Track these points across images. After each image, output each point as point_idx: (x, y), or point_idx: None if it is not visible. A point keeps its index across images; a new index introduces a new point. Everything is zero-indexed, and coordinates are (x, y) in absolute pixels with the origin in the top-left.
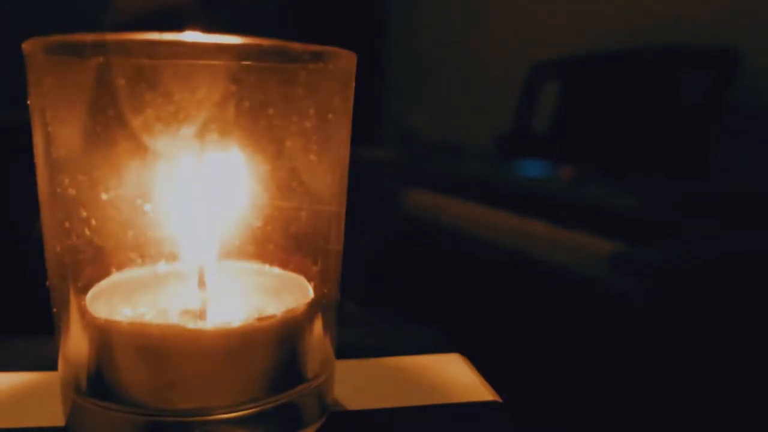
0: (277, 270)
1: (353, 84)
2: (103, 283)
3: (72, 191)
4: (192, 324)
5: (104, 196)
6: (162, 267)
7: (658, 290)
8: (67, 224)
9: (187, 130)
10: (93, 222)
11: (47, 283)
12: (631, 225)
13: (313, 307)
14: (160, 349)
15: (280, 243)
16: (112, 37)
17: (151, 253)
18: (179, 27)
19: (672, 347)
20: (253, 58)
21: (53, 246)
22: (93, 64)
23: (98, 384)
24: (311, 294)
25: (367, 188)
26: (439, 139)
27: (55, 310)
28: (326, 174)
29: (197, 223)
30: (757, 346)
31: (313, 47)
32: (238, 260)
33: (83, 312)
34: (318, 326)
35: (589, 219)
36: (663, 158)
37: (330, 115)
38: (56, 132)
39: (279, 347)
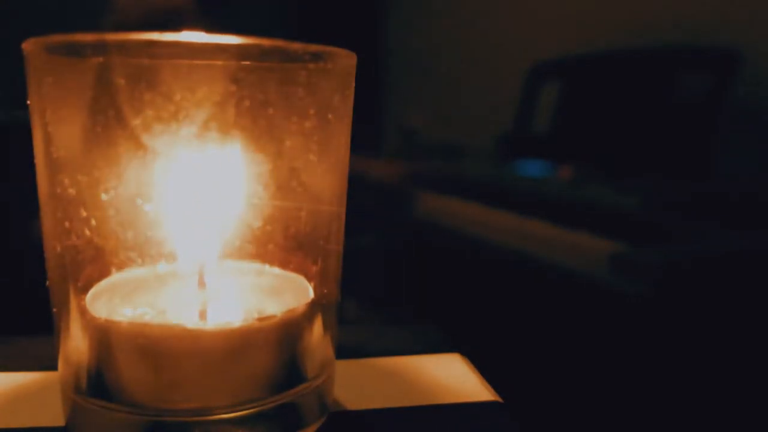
0: (277, 270)
1: (353, 84)
2: (103, 283)
3: (72, 191)
4: (192, 324)
5: (104, 196)
6: (162, 267)
7: (659, 290)
8: (67, 224)
9: (187, 130)
10: (93, 222)
11: (47, 283)
12: (631, 225)
13: (313, 307)
14: (160, 349)
15: (280, 243)
16: (112, 37)
17: (151, 253)
18: (179, 27)
19: (672, 347)
20: (253, 58)
21: (53, 246)
22: (93, 64)
23: (98, 384)
24: (311, 294)
25: (366, 188)
26: (439, 139)
27: (55, 310)
28: (326, 174)
29: (197, 223)
30: (758, 345)
31: (313, 47)
32: (238, 260)
33: (83, 312)
34: (318, 326)
35: (589, 219)
36: (663, 158)
37: (330, 115)
38: (56, 132)
39: (279, 347)
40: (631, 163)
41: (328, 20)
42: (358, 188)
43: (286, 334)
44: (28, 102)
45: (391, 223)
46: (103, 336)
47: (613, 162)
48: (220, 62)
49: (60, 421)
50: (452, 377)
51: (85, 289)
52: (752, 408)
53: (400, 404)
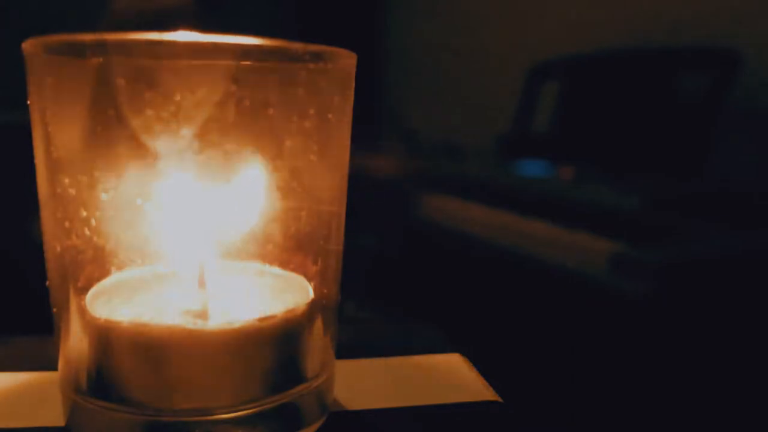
0: (277, 270)
1: (353, 84)
2: (103, 283)
3: (72, 191)
4: (192, 324)
5: (104, 196)
6: (162, 267)
7: (658, 290)
8: (67, 224)
9: (187, 130)
10: (93, 222)
11: (47, 283)
12: (631, 225)
13: (313, 307)
14: (160, 349)
15: (280, 243)
16: (112, 37)
17: (151, 253)
18: (178, 27)
19: (672, 347)
20: (253, 58)
21: (53, 246)
22: (93, 64)
23: (98, 384)
24: (311, 294)
25: (366, 188)
26: (439, 140)
27: (55, 310)
28: (326, 174)
29: (197, 223)
30: (758, 345)
31: (313, 47)
32: (238, 260)
33: (83, 312)
34: (318, 326)
35: (589, 219)
36: (663, 158)
37: (330, 115)
38: (56, 132)
39: (279, 347)
40: (631, 163)
41: (328, 20)
42: (358, 188)
43: (286, 334)
44: (28, 102)
45: (390, 223)
46: (103, 336)
47: (613, 162)
48: (220, 62)
49: (60, 421)
50: (452, 377)
51: (85, 289)
52: (752, 408)
53: (400, 404)
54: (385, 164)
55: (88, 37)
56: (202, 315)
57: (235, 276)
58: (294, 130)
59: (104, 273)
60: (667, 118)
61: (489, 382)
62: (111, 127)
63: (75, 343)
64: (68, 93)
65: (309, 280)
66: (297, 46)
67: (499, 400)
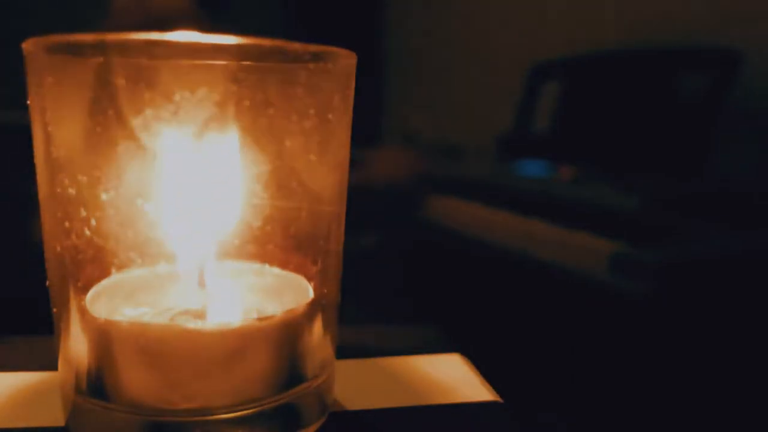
0: (277, 270)
1: (353, 84)
2: (103, 283)
3: (72, 191)
4: (192, 324)
5: (104, 196)
6: (162, 267)
7: (658, 290)
8: (67, 224)
9: (187, 130)
10: (93, 222)
11: (47, 283)
12: (631, 225)
13: (313, 307)
14: (160, 349)
15: (280, 243)
16: (112, 37)
17: (151, 253)
18: (179, 27)
19: (672, 347)
20: (253, 58)
21: (53, 246)
22: (93, 64)
23: (98, 384)
24: (311, 294)
25: (366, 188)
26: (439, 139)
27: (55, 310)
28: (326, 174)
29: (197, 223)
30: (758, 345)
31: (313, 47)
32: (238, 260)
33: (83, 312)
34: (318, 326)
35: (589, 219)
36: (663, 158)
37: (330, 115)
38: (56, 132)
39: (279, 347)
40: (631, 163)
41: (328, 20)
42: (357, 188)
43: (286, 334)
44: (28, 102)
45: (390, 223)
46: (103, 336)
47: (613, 162)
48: (220, 62)
49: (60, 421)
50: (452, 377)
51: (85, 289)
52: (752, 408)
53: (400, 404)
54: (385, 164)
55: (88, 37)
56: (202, 315)
57: (235, 276)
58: (294, 130)
59: (104, 273)
60: (667, 118)
61: (489, 382)
62: (111, 127)
63: (75, 343)
64: (68, 93)
65: (309, 280)
66: (297, 46)
67: (499, 400)
